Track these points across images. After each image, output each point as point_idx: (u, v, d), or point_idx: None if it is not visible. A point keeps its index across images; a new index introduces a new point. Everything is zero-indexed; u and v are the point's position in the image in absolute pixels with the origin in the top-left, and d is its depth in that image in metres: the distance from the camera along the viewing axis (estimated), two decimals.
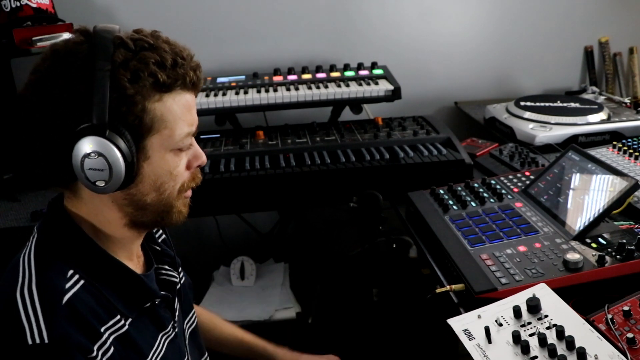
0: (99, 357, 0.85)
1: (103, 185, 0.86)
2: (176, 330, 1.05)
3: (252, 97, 2.03)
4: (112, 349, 0.87)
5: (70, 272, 0.87)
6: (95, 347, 0.84)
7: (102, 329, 0.86)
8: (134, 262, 1.01)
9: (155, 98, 0.88)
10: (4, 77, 1.75)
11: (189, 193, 0.99)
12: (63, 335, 0.81)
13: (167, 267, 1.08)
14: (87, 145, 0.84)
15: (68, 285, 0.85)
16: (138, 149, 0.88)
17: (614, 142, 1.77)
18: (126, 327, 0.91)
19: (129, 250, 1.00)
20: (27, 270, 0.87)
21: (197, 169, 0.99)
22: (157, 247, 1.10)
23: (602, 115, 2.02)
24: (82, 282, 0.87)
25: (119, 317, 0.90)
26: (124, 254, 0.98)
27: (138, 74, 0.85)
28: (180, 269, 1.12)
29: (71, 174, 0.86)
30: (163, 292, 1.02)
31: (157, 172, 0.92)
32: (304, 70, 2.22)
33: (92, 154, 0.84)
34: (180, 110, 0.91)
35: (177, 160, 0.94)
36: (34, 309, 0.82)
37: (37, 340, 0.80)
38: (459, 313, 1.14)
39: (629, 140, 1.76)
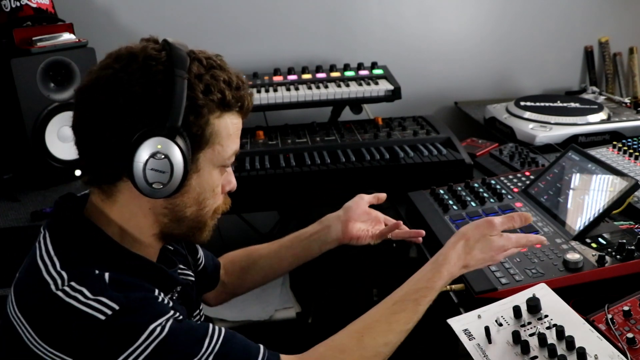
0: (164, 301, 0.88)
1: (159, 188, 0.87)
2: (201, 310, 1.08)
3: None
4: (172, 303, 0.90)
5: (96, 271, 0.87)
6: (155, 294, 0.88)
7: (154, 290, 0.89)
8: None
9: (217, 114, 0.92)
10: (4, 77, 1.75)
11: (218, 216, 1.02)
12: (127, 297, 0.83)
13: (181, 265, 1.10)
14: (155, 145, 0.85)
15: (100, 271, 0.86)
16: (192, 160, 0.90)
17: (614, 142, 1.77)
18: (170, 302, 0.92)
19: (151, 255, 1.00)
20: (53, 269, 0.86)
21: (226, 194, 1.04)
22: (170, 247, 1.11)
23: (602, 115, 2.02)
24: (106, 275, 0.87)
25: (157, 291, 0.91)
26: (146, 255, 0.98)
27: (210, 88, 0.90)
28: (192, 267, 1.14)
29: (121, 172, 0.88)
30: (185, 279, 1.03)
31: (202, 186, 0.95)
32: (304, 70, 2.22)
33: (159, 155, 0.85)
34: (232, 130, 0.96)
35: (219, 178, 0.98)
36: (84, 295, 0.82)
37: (109, 312, 0.81)
38: (459, 313, 1.14)
39: (629, 140, 1.76)
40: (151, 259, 1.00)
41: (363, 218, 1.33)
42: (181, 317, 0.89)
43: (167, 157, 0.86)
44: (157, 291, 0.89)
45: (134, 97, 0.86)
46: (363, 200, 1.34)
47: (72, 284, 0.84)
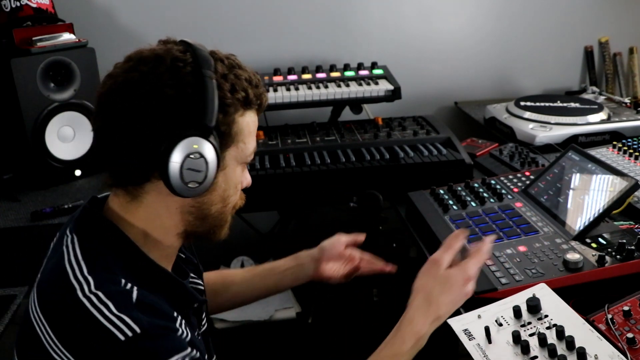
0: (184, 334, 0.88)
1: (194, 187, 0.88)
2: (205, 327, 1.07)
3: None
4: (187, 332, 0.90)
5: (123, 280, 0.87)
6: (177, 325, 0.88)
7: (174, 314, 0.89)
8: (169, 269, 1.02)
9: (241, 112, 0.94)
10: (4, 77, 1.75)
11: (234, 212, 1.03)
12: (150, 322, 0.83)
13: (192, 274, 1.10)
14: (191, 144, 0.86)
15: (128, 287, 0.86)
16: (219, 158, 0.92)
17: (614, 142, 1.77)
18: (183, 322, 0.92)
19: (170, 259, 1.01)
20: (83, 278, 0.86)
21: (241, 190, 1.04)
22: (182, 255, 1.11)
23: (602, 115, 2.02)
24: (134, 289, 0.87)
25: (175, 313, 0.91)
26: (165, 262, 0.98)
27: (235, 87, 0.92)
28: (202, 276, 1.14)
29: (160, 171, 0.87)
30: (202, 297, 1.04)
31: (228, 183, 0.96)
32: (304, 70, 2.22)
33: (195, 154, 0.86)
34: (253, 127, 0.98)
35: (241, 175, 1.00)
36: (110, 311, 0.82)
37: (130, 334, 0.81)
38: (459, 313, 1.14)
39: (629, 140, 1.76)
40: (169, 261, 1.00)
41: (337, 259, 1.36)
42: (198, 354, 0.89)
43: (202, 156, 0.87)
44: (178, 321, 0.90)
45: (166, 99, 0.87)
46: (339, 242, 1.36)
47: (99, 294, 0.83)
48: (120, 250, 0.91)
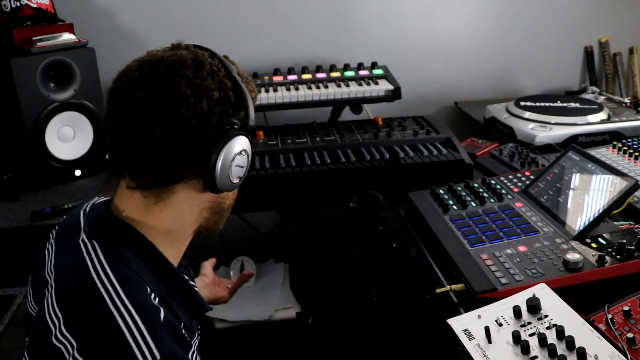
0: None
1: (236, 182, 0.95)
2: (199, 338, 1.07)
3: None
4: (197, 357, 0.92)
5: (148, 288, 0.88)
6: (189, 355, 0.89)
7: (190, 341, 0.91)
8: None
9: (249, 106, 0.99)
10: (4, 77, 1.75)
11: None
12: (171, 351, 0.83)
13: (185, 277, 1.09)
14: (240, 142, 0.93)
15: (154, 301, 0.87)
16: None
17: (614, 142, 1.77)
18: (187, 336, 0.93)
19: (179, 257, 1.02)
20: (112, 288, 0.85)
21: None
22: None
23: (602, 115, 2.02)
24: (157, 298, 0.88)
25: (183, 329, 0.92)
26: (175, 262, 0.99)
27: (249, 85, 0.98)
28: (194, 278, 1.16)
29: (204, 170, 0.90)
30: (209, 307, 1.05)
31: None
32: (304, 70, 2.22)
33: (243, 152, 0.93)
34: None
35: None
36: (138, 329, 0.82)
37: (149, 358, 0.81)
38: (459, 313, 1.14)
39: (629, 140, 1.76)
40: (178, 259, 1.01)
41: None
42: None
43: (247, 153, 0.94)
44: (192, 350, 0.91)
45: (214, 101, 0.90)
46: (206, 267, 1.52)
47: (129, 307, 0.83)
48: (143, 255, 0.91)
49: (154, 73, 0.90)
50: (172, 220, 0.95)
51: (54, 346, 0.84)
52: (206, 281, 1.46)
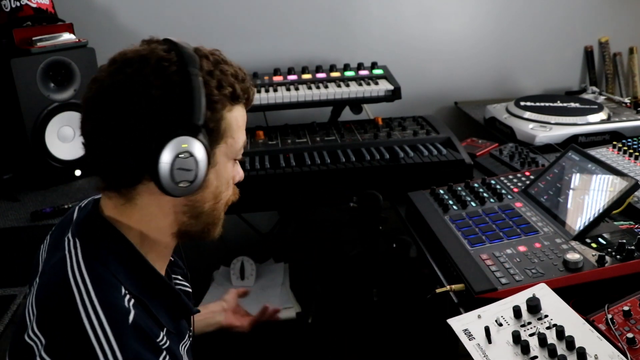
0: None
1: (185, 186, 0.88)
2: (191, 339, 1.06)
3: None
4: None
5: (123, 288, 0.86)
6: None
7: (160, 344, 0.88)
8: (163, 272, 1.02)
9: (228, 108, 0.94)
10: (4, 77, 1.75)
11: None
12: (137, 355, 0.82)
13: (179, 277, 1.10)
14: (180, 143, 0.86)
15: (126, 303, 0.85)
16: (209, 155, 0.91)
17: (614, 142, 1.77)
18: (168, 341, 0.91)
19: (164, 261, 1.01)
20: (84, 288, 0.84)
21: (235, 185, 1.05)
22: (171, 258, 1.09)
23: (602, 115, 2.02)
24: (132, 299, 0.86)
25: (162, 332, 0.90)
26: (159, 264, 0.98)
27: (221, 82, 0.92)
28: (188, 279, 1.14)
29: (150, 172, 0.87)
30: (195, 309, 1.03)
31: (219, 180, 0.96)
32: (304, 70, 2.22)
33: (185, 154, 0.86)
34: (241, 122, 0.97)
35: (232, 170, 1.00)
36: (103, 331, 0.81)
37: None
38: (459, 313, 1.14)
39: (629, 140, 1.76)
40: (164, 262, 1.00)
41: (235, 310, 1.51)
42: None
43: (192, 155, 0.87)
44: (162, 356, 0.88)
45: (153, 100, 0.86)
46: (232, 295, 1.54)
47: (97, 307, 0.82)
48: (122, 256, 0.90)
49: (104, 71, 0.90)
50: (144, 222, 0.93)
51: (27, 343, 0.84)
52: (224, 306, 1.48)
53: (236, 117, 0.95)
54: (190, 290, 1.11)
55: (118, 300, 0.85)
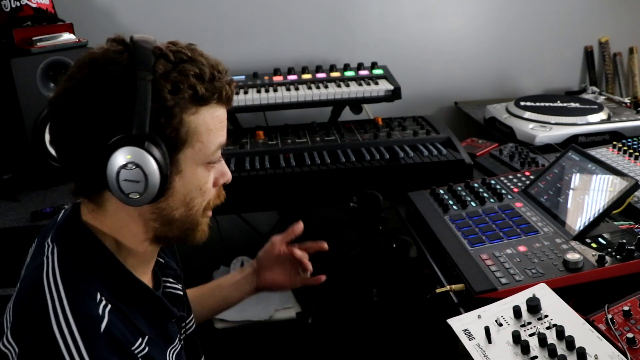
0: None
1: (137, 197, 0.84)
2: (182, 343, 1.04)
3: (252, 97, 2.03)
4: None
5: (98, 295, 0.84)
6: None
7: (135, 352, 0.86)
8: (148, 276, 1.00)
9: (192, 111, 0.87)
10: (4, 77, 1.75)
11: (210, 213, 0.98)
12: None
13: (170, 279, 1.07)
14: (124, 155, 0.82)
15: (100, 311, 0.83)
16: (171, 162, 0.87)
17: (614, 142, 1.77)
18: (147, 347, 0.89)
19: (147, 265, 0.98)
20: (57, 295, 0.83)
21: (221, 187, 0.99)
22: (161, 259, 1.08)
23: (602, 115, 2.02)
24: (109, 306, 0.84)
25: (141, 339, 0.88)
26: (142, 269, 0.96)
27: (178, 85, 0.85)
28: (181, 280, 1.11)
29: (102, 183, 0.84)
30: (180, 312, 1.01)
31: (188, 186, 0.91)
32: (304, 70, 2.22)
33: (129, 165, 0.82)
34: (213, 124, 0.91)
35: (206, 175, 0.93)
36: (74, 340, 0.79)
37: None
38: (459, 313, 1.14)
39: (629, 140, 1.76)
40: (147, 266, 0.98)
41: (276, 264, 1.36)
42: None
43: (138, 166, 0.82)
44: None
45: (99, 107, 0.83)
46: (274, 246, 1.37)
47: (69, 315, 0.80)
48: (99, 262, 0.88)
49: (64, 76, 0.88)
50: (117, 229, 0.91)
51: (2, 351, 0.83)
52: (254, 267, 1.37)
53: (204, 120, 0.89)
54: (181, 292, 1.07)
55: (91, 309, 0.82)
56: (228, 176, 0.98)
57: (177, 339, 1.02)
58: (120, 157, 0.82)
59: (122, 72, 0.83)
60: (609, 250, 1.21)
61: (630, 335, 0.98)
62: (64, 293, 0.83)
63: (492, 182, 1.60)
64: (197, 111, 0.88)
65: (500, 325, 1.05)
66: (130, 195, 0.83)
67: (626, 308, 1.03)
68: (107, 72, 0.83)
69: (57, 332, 0.79)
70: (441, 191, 1.59)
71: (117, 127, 0.82)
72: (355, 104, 2.11)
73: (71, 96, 0.85)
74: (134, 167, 0.82)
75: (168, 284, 1.06)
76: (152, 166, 0.83)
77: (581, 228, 1.29)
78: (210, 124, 0.90)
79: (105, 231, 0.91)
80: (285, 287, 1.40)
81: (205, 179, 0.93)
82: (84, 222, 0.92)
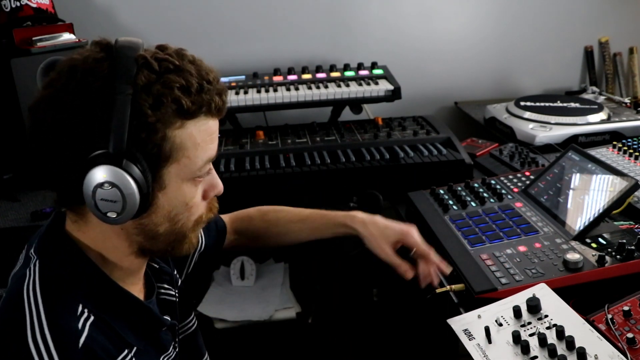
0: None
1: (114, 216, 0.79)
2: (177, 349, 1.02)
3: (252, 97, 2.03)
4: None
5: (80, 307, 0.82)
6: None
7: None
8: (139, 286, 0.98)
9: (177, 125, 0.82)
10: (4, 77, 1.75)
11: (202, 226, 0.94)
12: None
13: (165, 285, 1.04)
14: (100, 174, 0.77)
15: (80, 324, 0.80)
16: (154, 179, 0.82)
17: (614, 142, 1.77)
18: (133, 359, 0.87)
19: (136, 276, 0.96)
20: (35, 308, 0.80)
21: (213, 199, 0.95)
22: (155, 265, 1.05)
23: (602, 115, 2.02)
24: (91, 318, 0.82)
25: (127, 350, 0.86)
26: (130, 280, 0.94)
27: (161, 99, 0.79)
28: (177, 285, 1.09)
29: (81, 198, 0.80)
30: (170, 320, 0.99)
31: (172, 202, 0.86)
32: (304, 70, 2.22)
33: (106, 185, 0.77)
34: (201, 137, 0.85)
35: (193, 190, 0.88)
36: (49, 353, 0.76)
37: None
38: (459, 313, 1.14)
39: (629, 140, 1.76)
40: (136, 276, 0.96)
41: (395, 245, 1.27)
42: None
43: (115, 186, 0.77)
44: None
45: (76, 120, 0.78)
46: (413, 238, 1.26)
47: (47, 335, 0.77)
48: (82, 274, 0.85)
49: (43, 82, 0.85)
50: (101, 241, 0.87)
51: None
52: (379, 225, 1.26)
53: (191, 134, 0.83)
54: (174, 298, 1.04)
55: (69, 323, 0.80)
56: (219, 188, 0.93)
57: (172, 346, 1.00)
58: (97, 175, 0.77)
59: (101, 84, 0.78)
60: (609, 250, 1.21)
61: (630, 335, 0.98)
62: (43, 307, 0.80)
63: (492, 182, 1.60)
64: (182, 125, 0.82)
65: (500, 325, 1.05)
66: (107, 215, 0.79)
67: (626, 308, 1.03)
68: (86, 84, 0.79)
69: (32, 345, 0.77)
70: (441, 191, 1.59)
71: (95, 142, 0.78)
72: (355, 104, 2.11)
73: (49, 105, 0.81)
74: (111, 187, 0.77)
75: (162, 290, 1.03)
76: (130, 186, 0.78)
77: (581, 228, 1.29)
78: (198, 137, 0.84)
79: (88, 243, 0.88)
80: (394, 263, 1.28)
81: (192, 194, 0.88)
82: (67, 232, 0.89)
